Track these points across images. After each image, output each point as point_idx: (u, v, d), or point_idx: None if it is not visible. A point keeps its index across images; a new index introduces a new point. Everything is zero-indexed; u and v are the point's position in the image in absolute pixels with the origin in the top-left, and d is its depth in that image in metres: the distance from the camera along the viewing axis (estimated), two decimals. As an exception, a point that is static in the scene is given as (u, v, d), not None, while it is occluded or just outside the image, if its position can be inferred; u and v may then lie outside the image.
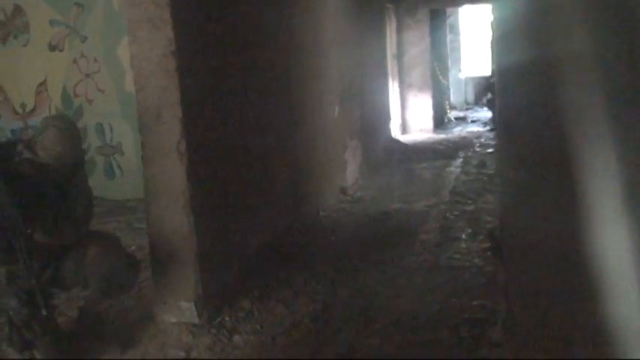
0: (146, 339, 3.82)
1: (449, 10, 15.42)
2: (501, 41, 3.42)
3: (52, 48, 7.49)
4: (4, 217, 3.24)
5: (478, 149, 10.53)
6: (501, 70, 3.80)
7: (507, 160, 3.41)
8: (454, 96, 16.75)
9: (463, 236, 5.59)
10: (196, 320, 3.90)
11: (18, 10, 7.71)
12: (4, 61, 7.86)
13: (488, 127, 12.91)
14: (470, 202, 6.81)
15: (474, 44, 18.22)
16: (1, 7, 7.75)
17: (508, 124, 3.22)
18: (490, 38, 10.65)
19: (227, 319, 3.99)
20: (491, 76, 12.82)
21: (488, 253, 4.96)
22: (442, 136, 12.57)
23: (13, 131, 7.86)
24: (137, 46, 3.82)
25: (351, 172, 7.87)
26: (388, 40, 11.93)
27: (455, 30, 17.71)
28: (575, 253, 1.78)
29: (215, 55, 4.29)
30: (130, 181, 7.11)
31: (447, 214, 6.35)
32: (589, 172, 1.67)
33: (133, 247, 5.42)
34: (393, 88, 12.43)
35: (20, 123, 7.83)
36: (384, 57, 11.05)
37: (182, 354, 3.64)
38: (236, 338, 3.79)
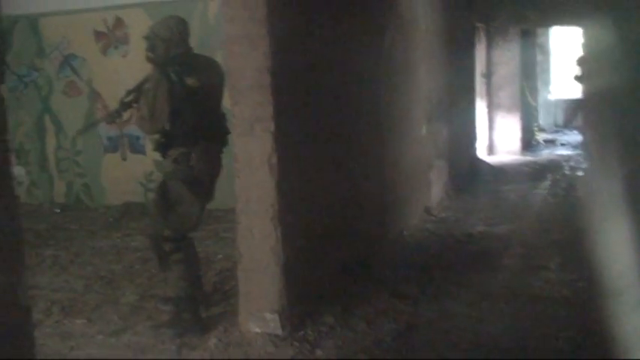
0: (230, 347, 3.90)
1: (539, 30, 15.12)
2: (595, 64, 3.36)
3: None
4: None
5: (567, 172, 10.26)
6: (596, 93, 3.73)
7: (600, 183, 3.34)
8: (543, 118, 16.38)
9: (551, 265, 5.41)
10: (280, 332, 3.95)
11: (119, 21, 8.06)
12: (104, 71, 8.21)
13: (578, 151, 12.56)
14: (557, 228, 6.62)
15: (565, 65, 17.81)
16: (104, 19, 8.11)
17: (599, 148, 3.15)
18: (579, 61, 10.43)
19: (310, 332, 4.03)
20: (581, 99, 12.49)
21: (579, 284, 4.81)
22: (529, 158, 12.30)
23: (109, 138, 8.19)
24: (233, 60, 3.94)
25: (435, 191, 7.81)
26: (477, 59, 11.81)
27: (545, 50, 17.35)
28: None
29: (307, 71, 4.36)
30: (218, 192, 7.28)
31: (533, 240, 6.21)
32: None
33: (220, 256, 5.57)
34: (481, 107, 12.27)
35: (117, 131, 8.14)
36: (473, 76, 10.94)
37: (265, 364, 3.70)
38: (318, 352, 3.82)
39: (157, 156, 4.42)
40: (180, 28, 4.24)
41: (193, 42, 4.39)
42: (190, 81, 4.12)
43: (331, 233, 4.72)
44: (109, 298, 4.85)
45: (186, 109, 4.08)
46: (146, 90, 4.06)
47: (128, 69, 7.84)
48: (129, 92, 4.26)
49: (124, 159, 8.27)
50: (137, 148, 8.12)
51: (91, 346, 4.03)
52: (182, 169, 4.12)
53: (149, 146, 7.84)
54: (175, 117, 4.05)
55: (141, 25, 7.78)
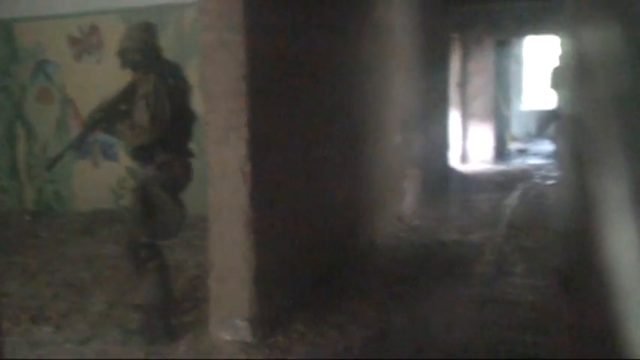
0: (200, 355, 3.88)
1: (514, 40, 15.31)
2: (577, 74, 3.38)
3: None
4: None
5: (538, 181, 10.40)
6: (568, 102, 3.78)
7: (573, 193, 3.39)
8: (516, 128, 16.58)
9: (519, 271, 5.50)
10: (250, 339, 3.94)
11: (94, 28, 8.01)
12: (78, 77, 8.16)
13: (549, 160, 12.74)
14: (527, 236, 6.71)
15: (537, 75, 18.01)
16: (79, 26, 8.07)
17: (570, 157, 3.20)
18: (553, 70, 10.55)
19: (280, 339, 4.03)
20: (555, 109, 12.66)
21: (545, 289, 4.88)
22: (502, 167, 12.45)
23: (82, 144, 8.12)
24: (210, 68, 3.93)
25: (408, 200, 7.86)
26: (452, 69, 11.92)
27: (518, 61, 17.54)
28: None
29: (282, 79, 4.37)
30: (190, 198, 7.26)
31: (504, 248, 6.28)
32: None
33: (191, 264, 5.55)
34: (455, 117, 12.39)
35: (89, 137, 8.07)
36: (447, 86, 11.04)
37: (235, 372, 3.69)
38: (289, 359, 3.82)
39: (130, 162, 4.37)
40: (152, 32, 4.21)
41: (169, 49, 4.38)
42: (182, 84, 4.11)
43: (303, 240, 4.73)
44: (78, 306, 4.80)
45: (178, 113, 4.06)
46: (144, 96, 3.93)
47: (102, 75, 7.81)
48: (97, 111, 4.13)
49: (96, 166, 8.21)
50: (109, 155, 8.07)
51: (59, 354, 3.98)
52: (164, 175, 4.08)
53: (122, 153, 7.81)
54: (170, 122, 4.01)
55: (116, 31, 7.76)
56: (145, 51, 4.10)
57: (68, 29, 8.13)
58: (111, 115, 4.08)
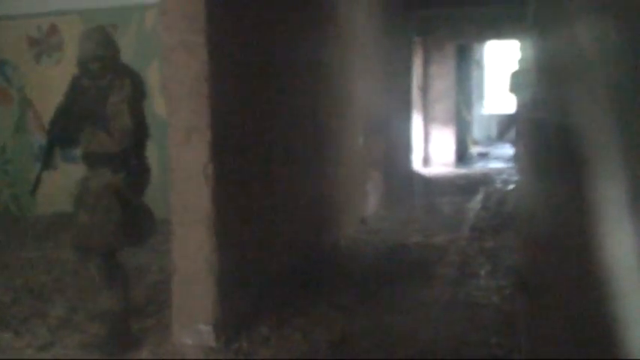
0: (163, 360, 3.84)
1: (475, 45, 15.49)
2: (537, 78, 3.42)
3: (84, 67, 7.62)
4: None
5: (499, 185, 10.52)
6: (527, 105, 3.83)
7: (531, 197, 3.43)
8: (477, 131, 16.77)
9: (482, 273, 5.56)
10: (214, 344, 3.91)
11: (54, 28, 7.88)
12: (37, 79, 8.01)
13: (510, 164, 12.91)
14: (489, 238, 6.78)
15: (498, 80, 18.25)
16: (38, 25, 7.93)
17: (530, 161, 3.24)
18: (512, 74, 10.67)
19: (244, 344, 4.00)
20: (515, 113, 12.85)
21: (508, 290, 4.94)
22: (464, 171, 12.58)
23: (41, 147, 7.97)
24: (171, 69, 3.90)
25: (371, 202, 7.89)
26: (414, 72, 12.01)
27: (480, 65, 17.75)
28: (599, 291, 1.78)
29: (245, 81, 4.35)
30: (153, 201, 7.18)
31: (466, 250, 6.33)
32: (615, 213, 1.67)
33: (153, 268, 5.49)
34: (417, 121, 12.48)
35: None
36: (410, 90, 11.12)
37: (198, 376, 3.65)
38: (252, 363, 3.80)
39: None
40: (110, 35, 4.12)
41: (130, 50, 4.31)
42: (140, 85, 4.06)
43: (267, 243, 4.71)
44: (38, 311, 4.71)
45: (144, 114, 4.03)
46: (125, 100, 3.81)
47: (61, 77, 7.66)
48: (54, 123, 4.05)
49: (55, 168, 8.06)
50: (69, 157, 7.94)
51: (18, 360, 3.91)
52: (137, 180, 3.99)
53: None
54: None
55: (76, 32, 7.63)
56: (110, 57, 3.98)
57: (27, 29, 7.99)
58: (68, 125, 3.97)
